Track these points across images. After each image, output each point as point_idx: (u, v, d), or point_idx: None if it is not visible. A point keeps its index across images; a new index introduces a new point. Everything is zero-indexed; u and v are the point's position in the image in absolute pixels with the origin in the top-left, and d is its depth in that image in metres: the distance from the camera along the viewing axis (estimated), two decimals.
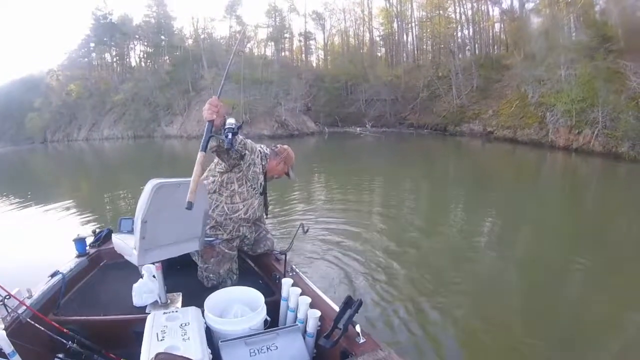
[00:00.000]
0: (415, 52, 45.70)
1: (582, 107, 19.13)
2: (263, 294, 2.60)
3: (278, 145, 3.40)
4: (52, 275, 2.92)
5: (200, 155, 2.22)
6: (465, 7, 39.57)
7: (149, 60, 59.44)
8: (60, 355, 2.35)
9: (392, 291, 4.48)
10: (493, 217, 8.10)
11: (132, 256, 2.44)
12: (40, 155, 41.46)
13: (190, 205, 1.99)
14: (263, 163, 3.15)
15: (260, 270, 3.41)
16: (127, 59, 62.99)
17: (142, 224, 2.28)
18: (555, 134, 20.16)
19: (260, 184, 3.12)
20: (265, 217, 3.56)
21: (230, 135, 2.35)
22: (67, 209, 9.71)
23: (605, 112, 17.72)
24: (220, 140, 2.40)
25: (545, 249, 6.22)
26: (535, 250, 6.24)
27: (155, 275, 2.73)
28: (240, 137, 2.66)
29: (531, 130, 22.42)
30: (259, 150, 3.15)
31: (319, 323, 2.34)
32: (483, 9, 39.01)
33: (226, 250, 3.08)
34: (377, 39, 50.83)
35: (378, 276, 4.89)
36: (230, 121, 2.37)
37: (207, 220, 2.78)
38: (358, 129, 33.71)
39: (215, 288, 2.91)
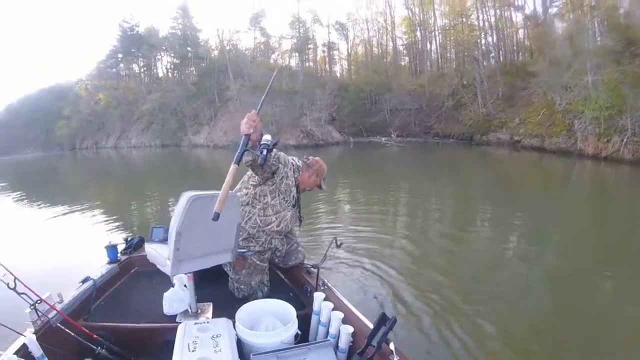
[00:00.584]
0: (439, 60, 45.48)
1: (611, 113, 18.79)
2: (294, 307, 2.57)
3: (310, 158, 3.36)
4: (83, 281, 2.96)
5: (233, 167, 2.24)
6: (488, 13, 39.35)
7: (175, 71, 60.65)
8: None
9: (424, 308, 4.40)
10: (521, 227, 8.01)
11: (166, 266, 2.46)
12: (69, 161, 42.39)
13: (216, 217, 2.02)
14: (295, 175, 3.14)
15: (291, 282, 3.38)
16: (154, 70, 64.40)
17: (176, 235, 2.32)
18: (584, 142, 19.82)
19: (293, 196, 3.11)
20: (298, 229, 3.55)
21: (265, 152, 2.37)
22: (97, 215, 9.95)
23: (635, 119, 17.44)
24: (255, 156, 2.43)
25: (574, 259, 6.17)
26: (563, 261, 6.18)
27: (187, 285, 2.76)
28: (275, 151, 2.69)
29: (559, 138, 22.08)
30: (292, 163, 3.15)
31: (352, 339, 2.29)
32: (506, 15, 38.76)
33: (258, 262, 3.06)
34: (401, 48, 50.78)
35: (410, 292, 4.80)
36: (267, 137, 2.40)
37: (240, 232, 2.75)
38: (383, 138, 33.61)
39: (245, 299, 2.92)
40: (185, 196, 2.34)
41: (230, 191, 2.37)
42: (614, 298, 4.90)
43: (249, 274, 3.04)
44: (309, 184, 3.26)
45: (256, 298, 2.93)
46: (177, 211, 2.35)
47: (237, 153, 2.28)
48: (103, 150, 55.30)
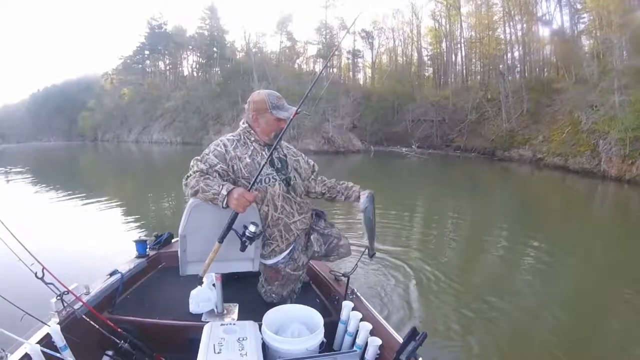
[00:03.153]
0: (464, 72, 45.34)
1: (637, 135, 18.47)
2: (320, 315, 2.49)
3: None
4: (111, 274, 2.96)
5: (216, 246, 2.25)
6: (515, 27, 39.14)
7: (200, 71, 61.88)
8: (110, 353, 2.31)
9: (455, 326, 4.39)
10: (539, 248, 7.92)
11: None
12: (92, 152, 43.28)
13: (200, 282, 2.13)
14: (250, 140, 2.64)
15: (318, 289, 3.27)
16: (180, 68, 65.85)
17: (181, 237, 2.37)
18: (608, 164, 19.48)
19: (265, 163, 2.46)
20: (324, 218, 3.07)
21: (247, 243, 2.31)
22: (126, 209, 10.23)
23: None
24: (238, 236, 2.32)
25: (592, 283, 6.17)
26: (581, 284, 6.18)
27: (215, 285, 2.70)
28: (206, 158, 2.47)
29: (583, 158, 21.72)
30: (229, 140, 2.62)
31: (379, 352, 2.24)
32: (533, 29, 38.46)
33: (292, 272, 2.78)
34: (425, 58, 50.69)
35: (440, 309, 4.79)
36: (251, 229, 2.29)
37: (260, 242, 2.60)
38: (404, 149, 33.46)
39: (273, 303, 2.81)
40: (190, 200, 2.40)
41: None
42: (632, 322, 4.86)
43: (282, 285, 2.83)
44: (269, 131, 2.63)
45: (284, 303, 2.76)
46: (183, 214, 2.41)
47: (222, 230, 2.27)
48: (124, 143, 56.34)
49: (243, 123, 2.69)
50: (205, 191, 2.27)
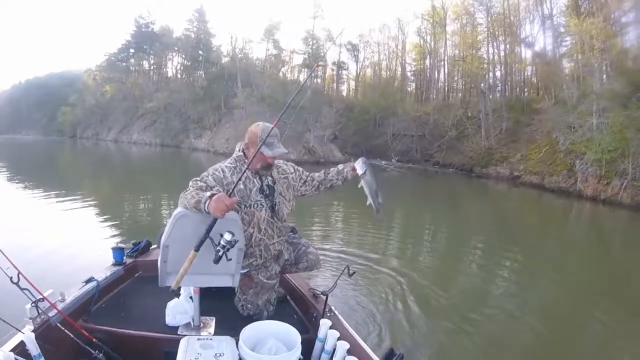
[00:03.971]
0: (446, 89, 45.90)
1: (613, 157, 18.97)
2: (298, 332, 2.50)
3: None
4: (87, 282, 2.92)
5: (192, 254, 2.22)
6: (498, 48, 39.74)
7: (185, 73, 61.82)
8: None
9: (430, 344, 4.43)
10: (515, 265, 8.01)
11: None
12: (70, 149, 42.91)
13: (177, 294, 2.17)
14: (243, 168, 2.72)
15: (296, 305, 3.26)
16: (164, 69, 66.05)
17: (163, 247, 2.34)
18: (584, 183, 19.91)
19: (257, 190, 2.77)
20: (293, 229, 3.25)
21: (221, 252, 2.26)
22: (105, 212, 10.04)
23: (636, 164, 17.59)
24: (214, 246, 2.31)
25: (564, 302, 6.19)
26: (553, 303, 6.20)
27: (193, 297, 2.70)
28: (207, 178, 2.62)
29: (559, 177, 22.14)
30: (226, 167, 2.76)
31: None
32: (516, 50, 39.16)
33: (265, 280, 2.90)
34: (409, 74, 51.12)
35: (417, 328, 4.76)
36: (227, 237, 2.26)
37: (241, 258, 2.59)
38: (383, 162, 33.52)
39: (250, 317, 2.86)
40: (176, 211, 2.38)
41: (230, 212, 2.33)
42: (601, 343, 4.90)
43: (256, 294, 2.92)
44: (255, 161, 2.73)
45: (261, 317, 2.86)
46: (168, 224, 2.39)
47: (200, 239, 2.25)
48: (103, 142, 56.01)
49: (239, 150, 2.85)
50: (195, 198, 2.32)
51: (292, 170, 3.06)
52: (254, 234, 2.79)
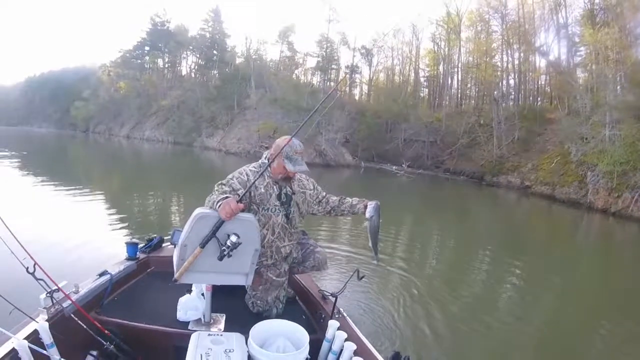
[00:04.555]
0: (459, 96, 45.65)
1: (625, 169, 18.82)
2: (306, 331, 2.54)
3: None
4: (101, 275, 2.96)
5: (197, 250, 2.34)
6: (512, 56, 39.54)
7: (199, 72, 61.75)
8: (94, 353, 2.36)
9: (436, 349, 4.44)
10: (521, 275, 7.96)
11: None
12: (83, 144, 43.18)
13: (174, 281, 2.23)
14: (267, 174, 2.94)
15: (305, 306, 3.31)
16: (178, 68, 65.93)
17: (182, 247, 2.39)
18: (594, 195, 19.79)
19: (276, 195, 2.95)
20: (302, 227, 3.36)
21: (226, 252, 2.38)
22: (117, 206, 10.23)
23: None
24: (219, 245, 2.42)
25: (571, 312, 6.21)
26: (560, 313, 6.21)
27: (204, 294, 2.74)
28: (230, 180, 2.79)
29: (570, 188, 22.02)
30: (251, 171, 2.90)
31: None
32: (530, 59, 38.98)
33: (274, 278, 3.01)
34: (422, 79, 50.92)
35: (423, 332, 4.78)
36: (232, 239, 2.38)
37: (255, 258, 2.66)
38: (394, 167, 33.52)
39: (259, 314, 2.94)
40: (195, 211, 2.44)
41: (247, 214, 2.57)
42: (606, 351, 4.92)
43: (266, 290, 3.00)
44: (277, 172, 2.93)
45: (270, 314, 2.95)
46: (187, 224, 2.44)
47: (205, 237, 2.36)
48: (115, 137, 56.22)
49: (265, 158, 3.01)
50: (215, 201, 2.47)
51: (312, 188, 3.23)
52: (267, 235, 2.94)
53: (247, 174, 2.86)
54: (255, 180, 2.74)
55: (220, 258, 2.37)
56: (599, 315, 6.12)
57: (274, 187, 2.95)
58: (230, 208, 2.33)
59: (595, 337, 5.29)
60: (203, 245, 2.34)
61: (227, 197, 2.45)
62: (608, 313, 6.20)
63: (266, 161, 2.94)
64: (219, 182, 2.78)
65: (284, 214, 2.98)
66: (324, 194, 3.30)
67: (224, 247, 2.36)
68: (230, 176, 2.84)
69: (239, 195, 2.58)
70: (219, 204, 2.38)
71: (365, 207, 2.96)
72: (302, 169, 2.92)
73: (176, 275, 2.36)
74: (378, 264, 3.07)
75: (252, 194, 2.84)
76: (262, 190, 2.89)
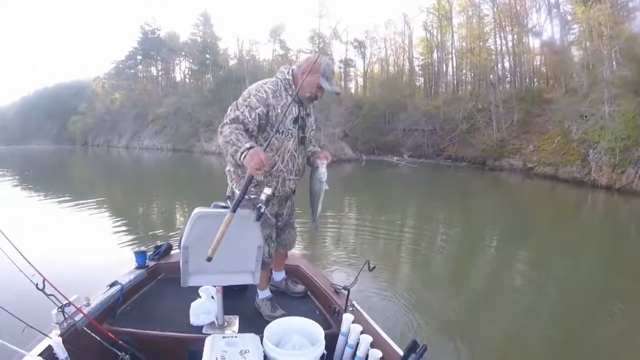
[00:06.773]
0: (455, 82, 45.74)
1: (626, 144, 18.80)
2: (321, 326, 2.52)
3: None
4: (111, 285, 2.93)
5: (229, 216, 2.18)
6: (506, 38, 39.54)
7: (192, 77, 61.92)
8: None
9: (453, 337, 4.38)
10: (530, 257, 8.00)
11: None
12: (82, 158, 43.06)
13: (209, 259, 2.09)
14: (290, 93, 2.65)
15: (318, 301, 3.26)
16: (172, 74, 66.33)
17: (183, 249, 2.38)
18: (598, 173, 19.75)
19: (292, 118, 2.68)
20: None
21: (262, 209, 2.29)
22: (122, 217, 10.10)
23: None
24: (252, 205, 2.35)
25: (580, 292, 6.21)
26: (571, 293, 6.22)
27: (215, 297, 2.71)
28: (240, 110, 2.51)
29: (573, 167, 21.98)
30: (269, 88, 2.63)
31: None
32: (524, 40, 38.94)
33: (268, 215, 2.72)
34: (417, 68, 50.80)
35: (439, 321, 4.77)
36: (267, 192, 2.30)
37: (260, 255, 2.59)
38: (395, 158, 33.51)
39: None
40: (194, 212, 2.40)
41: (246, 211, 2.37)
42: (619, 332, 4.89)
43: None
44: (306, 88, 2.63)
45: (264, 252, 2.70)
46: (187, 225, 2.41)
47: (235, 199, 2.24)
48: (114, 149, 56.33)
49: (288, 73, 2.71)
50: (234, 144, 2.29)
51: (312, 117, 3.00)
52: (277, 164, 2.68)
53: (265, 91, 2.59)
54: (274, 100, 2.57)
55: (258, 217, 2.32)
56: (610, 290, 6.13)
57: (293, 108, 2.69)
58: (260, 158, 2.13)
59: (607, 314, 5.27)
60: (234, 209, 2.20)
61: (251, 146, 2.23)
62: (618, 291, 6.17)
63: (290, 77, 2.69)
64: (235, 102, 2.57)
65: (299, 138, 2.75)
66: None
67: (259, 204, 2.30)
68: (246, 94, 2.58)
69: (264, 112, 2.52)
70: (243, 155, 2.20)
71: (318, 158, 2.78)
72: (337, 90, 2.76)
73: (209, 253, 2.16)
74: (317, 229, 2.92)
75: (271, 113, 2.58)
76: (279, 110, 2.60)
